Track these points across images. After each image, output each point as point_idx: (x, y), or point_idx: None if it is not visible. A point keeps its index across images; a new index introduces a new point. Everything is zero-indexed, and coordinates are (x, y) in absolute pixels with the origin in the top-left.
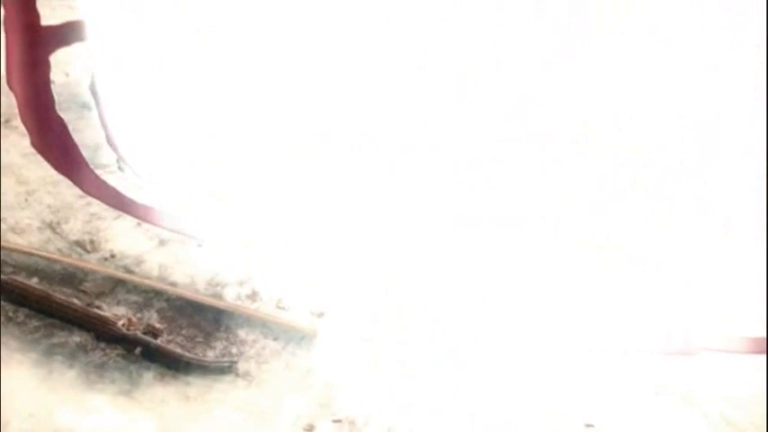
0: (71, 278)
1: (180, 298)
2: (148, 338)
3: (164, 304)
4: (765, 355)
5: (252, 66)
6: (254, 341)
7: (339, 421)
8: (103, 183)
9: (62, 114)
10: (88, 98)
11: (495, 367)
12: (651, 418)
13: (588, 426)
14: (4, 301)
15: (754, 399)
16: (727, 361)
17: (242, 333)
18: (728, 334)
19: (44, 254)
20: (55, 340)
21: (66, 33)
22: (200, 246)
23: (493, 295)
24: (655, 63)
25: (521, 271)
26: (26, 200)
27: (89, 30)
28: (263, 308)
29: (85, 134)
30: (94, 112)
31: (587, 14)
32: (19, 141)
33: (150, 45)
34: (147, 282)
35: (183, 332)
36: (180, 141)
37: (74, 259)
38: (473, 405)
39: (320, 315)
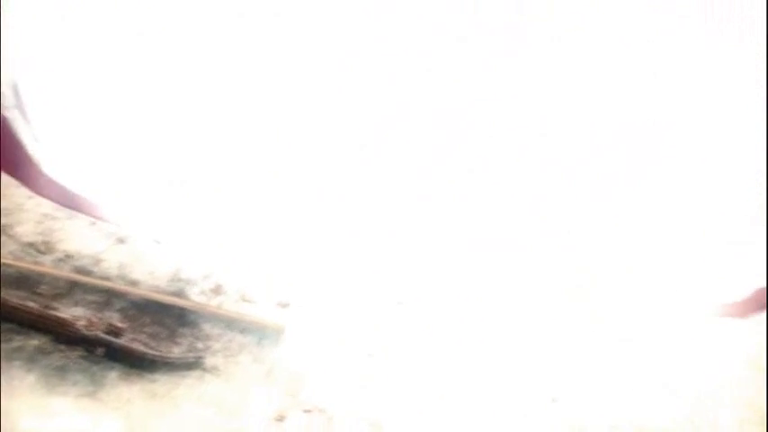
0: (26, 280)
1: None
2: (110, 338)
3: (125, 303)
4: (766, 323)
5: (203, 60)
6: (221, 335)
7: (309, 411)
8: (53, 182)
9: (6, 114)
10: (22, 98)
11: (463, 347)
12: (616, 393)
13: (554, 400)
14: None
15: (723, 374)
16: (701, 337)
17: (207, 327)
18: (707, 299)
19: None
20: (13, 345)
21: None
22: (158, 242)
23: (461, 278)
24: (651, 63)
25: (489, 254)
26: None
27: (12, 31)
28: (228, 301)
29: (30, 133)
30: (27, 111)
31: (574, 14)
32: None
33: (86, 43)
34: (104, 283)
35: (147, 329)
36: (130, 135)
37: (28, 262)
38: (443, 384)
39: (285, 306)
